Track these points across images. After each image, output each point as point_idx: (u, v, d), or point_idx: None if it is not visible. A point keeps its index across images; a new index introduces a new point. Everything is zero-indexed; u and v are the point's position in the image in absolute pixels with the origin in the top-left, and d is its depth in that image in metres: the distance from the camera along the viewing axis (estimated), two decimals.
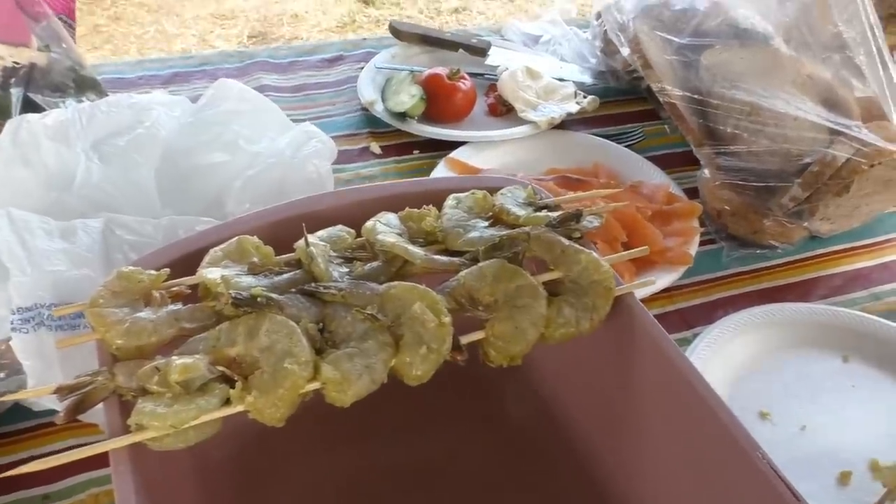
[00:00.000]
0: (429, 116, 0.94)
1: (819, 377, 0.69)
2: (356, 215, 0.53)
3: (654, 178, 0.87)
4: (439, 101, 0.93)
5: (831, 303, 0.78)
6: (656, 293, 0.75)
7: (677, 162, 0.93)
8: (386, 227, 0.50)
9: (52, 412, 0.59)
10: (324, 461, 0.58)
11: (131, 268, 0.45)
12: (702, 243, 0.80)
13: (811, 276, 0.81)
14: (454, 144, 0.89)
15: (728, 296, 0.77)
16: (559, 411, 0.60)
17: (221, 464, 0.54)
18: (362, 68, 1.03)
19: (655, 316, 0.72)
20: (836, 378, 0.69)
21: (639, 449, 0.53)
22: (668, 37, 0.87)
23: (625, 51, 0.89)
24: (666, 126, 0.98)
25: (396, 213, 0.53)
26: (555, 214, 0.52)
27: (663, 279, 0.73)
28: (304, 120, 0.94)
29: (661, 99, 0.84)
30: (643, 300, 0.73)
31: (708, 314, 0.75)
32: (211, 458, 0.53)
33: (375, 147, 0.92)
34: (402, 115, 0.92)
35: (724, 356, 0.68)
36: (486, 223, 0.52)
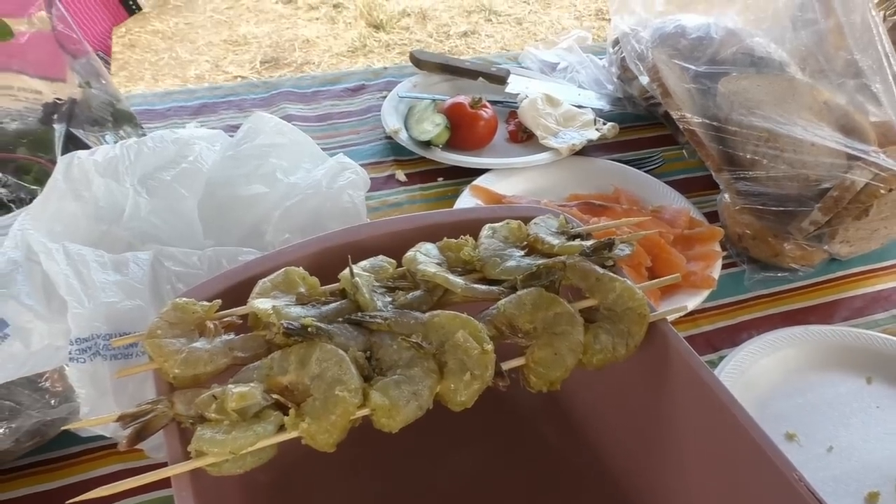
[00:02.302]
0: (452, 144, 0.96)
1: (844, 398, 0.70)
2: (394, 245, 0.55)
3: (675, 202, 0.89)
4: (462, 130, 0.96)
5: (853, 324, 0.79)
6: (681, 316, 0.76)
7: (697, 186, 0.95)
8: (426, 258, 0.52)
9: (100, 438, 0.61)
10: (362, 482, 0.59)
11: (185, 299, 0.47)
12: (724, 266, 0.81)
13: (832, 299, 0.82)
14: (478, 171, 0.91)
15: (751, 318, 0.79)
16: (592, 433, 0.62)
17: (267, 486, 0.56)
18: (384, 97, 1.06)
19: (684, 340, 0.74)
20: (860, 399, 0.70)
21: (673, 471, 0.54)
22: (686, 65, 0.90)
23: (643, 79, 0.91)
24: (684, 151, 1.00)
25: (432, 242, 0.55)
26: (588, 243, 0.53)
27: (688, 303, 0.75)
28: (330, 149, 0.97)
29: (680, 126, 0.86)
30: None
31: (732, 337, 0.76)
32: (257, 482, 0.55)
33: (401, 175, 0.94)
34: (427, 144, 0.94)
35: (749, 378, 0.69)
36: (522, 252, 0.54)
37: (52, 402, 0.55)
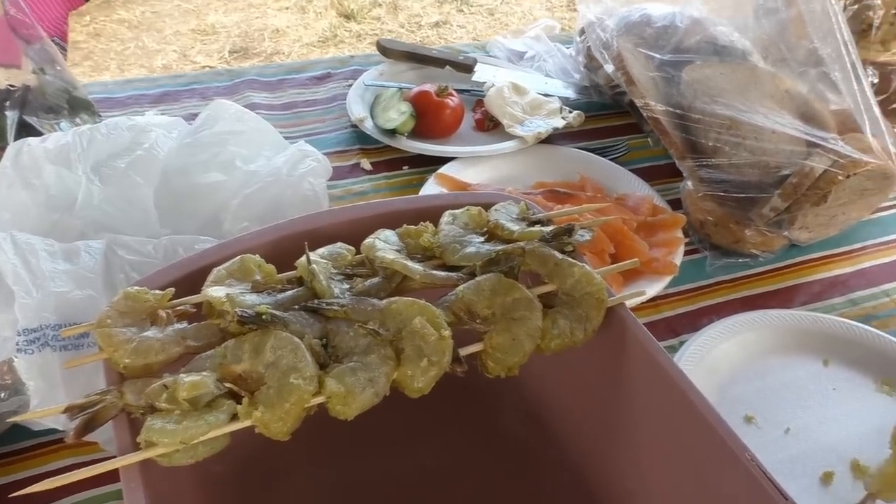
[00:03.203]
0: (418, 132, 0.96)
1: (801, 381, 0.71)
2: (353, 232, 0.54)
3: (639, 190, 0.89)
4: (428, 118, 0.95)
5: (811, 309, 0.80)
6: (643, 302, 0.77)
7: (661, 174, 0.95)
8: (385, 244, 0.52)
9: (52, 431, 0.59)
10: (323, 472, 0.59)
11: (137, 288, 0.46)
12: (686, 253, 0.82)
13: (792, 284, 0.84)
14: (443, 160, 0.91)
15: (712, 304, 0.80)
16: (554, 420, 0.62)
17: (223, 477, 0.55)
18: (350, 85, 1.05)
19: (643, 324, 0.74)
20: (817, 381, 0.72)
21: (632, 454, 0.54)
22: (650, 53, 0.90)
23: (608, 67, 0.91)
24: (649, 139, 1.01)
25: (393, 229, 0.54)
26: (547, 229, 0.53)
27: (650, 289, 0.75)
28: (294, 137, 0.96)
29: (644, 114, 0.87)
30: (631, 310, 0.75)
31: (693, 322, 0.77)
32: (213, 473, 0.54)
33: (366, 163, 0.94)
34: (392, 132, 0.94)
35: (709, 362, 0.70)
36: (482, 238, 0.53)
37: (1, 395, 0.54)
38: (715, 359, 0.70)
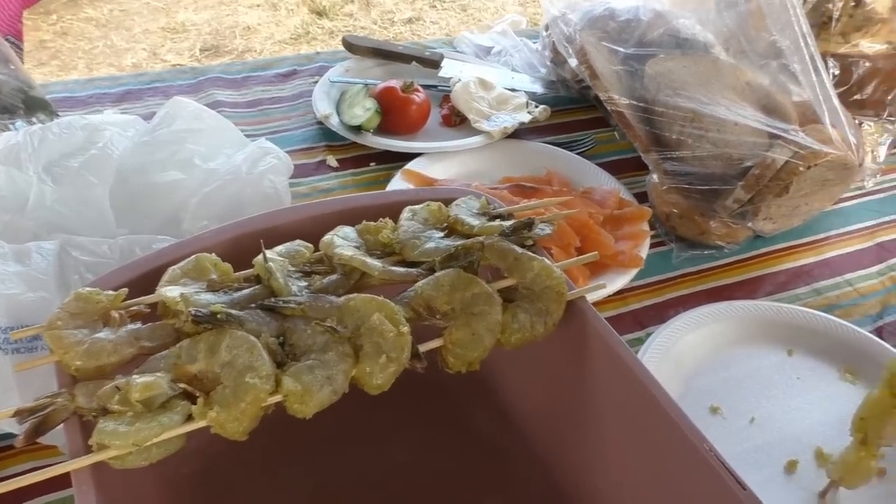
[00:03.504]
0: (384, 129, 0.95)
1: (766, 371, 0.72)
2: (314, 230, 0.54)
3: (605, 183, 0.90)
4: (394, 114, 0.95)
5: (776, 299, 0.81)
6: (610, 295, 0.77)
7: (627, 167, 0.96)
8: (343, 241, 0.51)
9: (11, 436, 0.58)
10: (289, 472, 0.58)
11: (89, 289, 0.45)
12: (652, 245, 0.83)
13: (757, 274, 0.84)
14: (410, 156, 0.91)
15: (679, 296, 0.80)
16: (519, 414, 0.62)
17: (187, 479, 0.55)
18: (316, 82, 1.04)
19: (610, 318, 0.75)
20: (782, 371, 0.72)
21: (596, 448, 0.54)
22: (614, 47, 0.90)
23: (572, 62, 0.91)
24: (616, 133, 1.01)
25: (354, 226, 0.54)
26: (508, 223, 0.53)
27: (616, 282, 0.76)
28: (259, 135, 0.95)
29: (608, 108, 0.87)
30: (598, 303, 0.76)
31: (660, 314, 0.77)
32: (176, 475, 0.53)
33: (332, 160, 0.93)
34: (358, 129, 0.93)
35: (676, 354, 0.70)
36: (442, 234, 0.53)
37: None
38: (681, 350, 0.71)
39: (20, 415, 0.40)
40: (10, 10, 0.80)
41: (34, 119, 0.77)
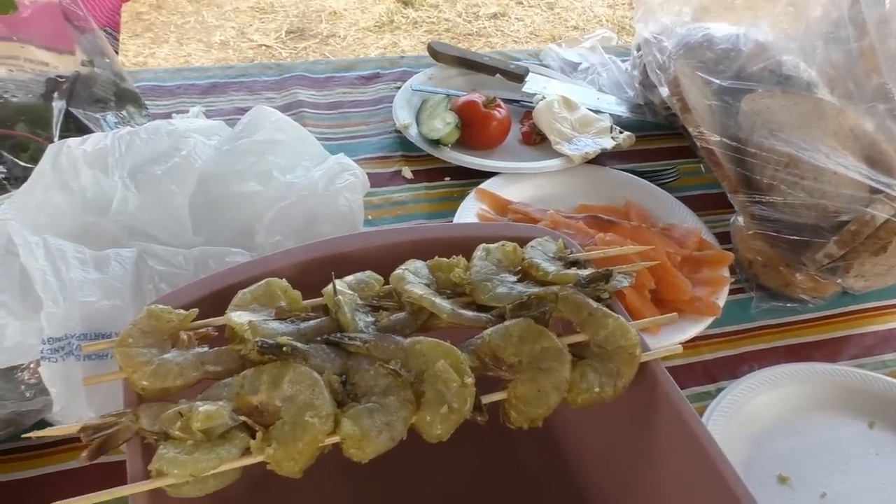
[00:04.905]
0: (462, 142, 0.94)
1: (843, 442, 0.68)
2: (384, 258, 0.53)
3: (687, 220, 0.86)
4: (474, 129, 0.93)
5: (861, 363, 0.76)
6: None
7: (711, 204, 0.91)
8: (414, 277, 0.50)
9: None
10: (337, 485, 0.58)
11: (161, 306, 0.46)
12: (731, 291, 0.78)
13: (842, 334, 0.79)
14: (486, 173, 0.89)
15: (755, 350, 0.76)
16: (573, 461, 0.60)
17: (237, 493, 0.55)
18: (398, 87, 1.04)
19: (679, 367, 0.72)
20: (860, 444, 0.68)
21: None
22: (710, 78, 0.86)
23: (664, 91, 0.88)
24: (702, 165, 0.97)
25: (424, 259, 0.53)
26: (585, 273, 0.51)
27: (689, 330, 0.72)
28: (338, 139, 0.95)
29: (698, 143, 0.83)
30: None
31: (733, 368, 0.74)
32: (221, 497, 0.54)
33: (407, 171, 0.92)
34: (436, 142, 0.92)
35: (747, 414, 0.67)
36: (515, 278, 0.52)
37: (28, 393, 0.55)
38: (752, 411, 0.67)
39: (85, 431, 0.41)
40: (110, 2, 0.81)
41: (124, 112, 0.79)
